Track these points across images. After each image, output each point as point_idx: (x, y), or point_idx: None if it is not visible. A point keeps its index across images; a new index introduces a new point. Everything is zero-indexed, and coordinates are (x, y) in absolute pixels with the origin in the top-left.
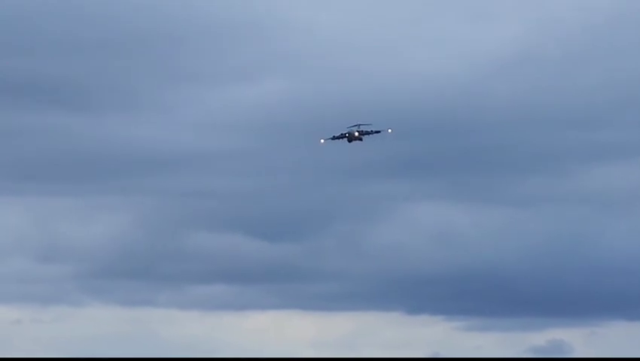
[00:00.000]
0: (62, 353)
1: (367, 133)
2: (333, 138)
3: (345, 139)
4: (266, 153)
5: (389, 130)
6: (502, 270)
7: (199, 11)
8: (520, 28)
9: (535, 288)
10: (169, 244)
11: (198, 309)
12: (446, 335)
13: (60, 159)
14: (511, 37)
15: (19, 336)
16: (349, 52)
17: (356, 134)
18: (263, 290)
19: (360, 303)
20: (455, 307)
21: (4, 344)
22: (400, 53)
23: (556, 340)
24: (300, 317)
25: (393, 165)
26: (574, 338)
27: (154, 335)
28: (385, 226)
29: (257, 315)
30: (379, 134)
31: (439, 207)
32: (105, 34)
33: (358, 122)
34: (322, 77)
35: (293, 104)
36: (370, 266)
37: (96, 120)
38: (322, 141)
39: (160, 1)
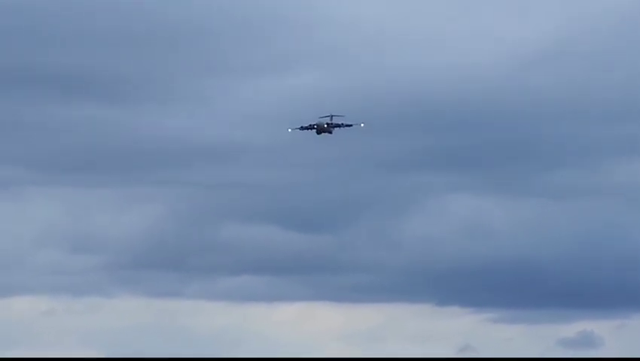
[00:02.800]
0: (93, 343)
1: (338, 126)
2: (301, 128)
3: (314, 130)
4: (298, 144)
5: (361, 124)
6: (532, 262)
7: (234, 3)
8: (555, 22)
9: (565, 280)
10: (200, 235)
11: (227, 300)
12: (475, 327)
13: (94, 150)
14: (545, 31)
15: (50, 327)
16: (384, 44)
17: (325, 125)
18: (292, 281)
19: (390, 295)
20: (485, 299)
21: (36, 334)
22: (434, 45)
23: (586, 332)
24: (328, 309)
25: (425, 157)
26: (604, 330)
27: (183, 327)
28: (417, 218)
29: (286, 306)
30: (350, 127)
31: (470, 199)
32: (140, 27)
33: (331, 113)
34: (357, 69)
35: (327, 96)
36: (400, 258)
37: (130, 112)
38: (289, 130)
39: None
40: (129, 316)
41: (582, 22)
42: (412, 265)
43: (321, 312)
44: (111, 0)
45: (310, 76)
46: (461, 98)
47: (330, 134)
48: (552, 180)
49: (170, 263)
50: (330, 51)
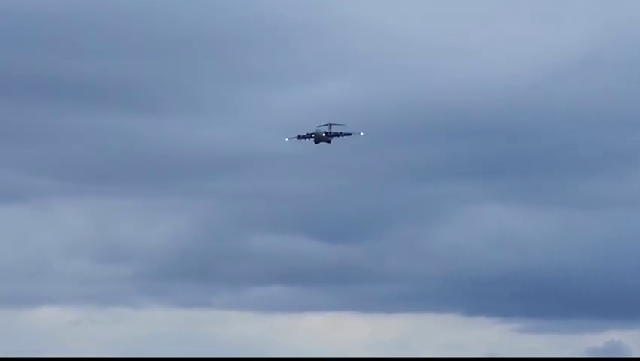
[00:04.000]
0: (119, 353)
1: (337, 135)
2: (299, 137)
3: (312, 139)
4: (327, 154)
5: (361, 133)
6: (560, 272)
7: (263, 12)
8: (584, 30)
9: (593, 290)
10: (228, 245)
11: (255, 310)
12: (502, 337)
13: (122, 160)
14: (574, 39)
15: (77, 336)
16: (414, 53)
17: (323, 134)
18: (320, 291)
19: (417, 304)
20: (512, 309)
21: (62, 344)
22: (465, 53)
23: (614, 342)
24: (356, 319)
25: (453, 166)
26: (632, 339)
27: (211, 336)
28: (445, 228)
29: (314, 316)
30: (349, 136)
31: (498, 208)
32: (169, 36)
33: (329, 122)
34: (386, 78)
35: (356, 106)
36: (428, 268)
37: (158, 122)
38: (287, 139)
39: (225, 3)
40: (157, 326)
41: (611, 31)
42: (440, 275)
43: (348, 322)
44: (138, 9)
45: (336, 85)
46: (490, 107)
47: (328, 144)
48: (580, 189)
49: (198, 273)
50: (356, 60)
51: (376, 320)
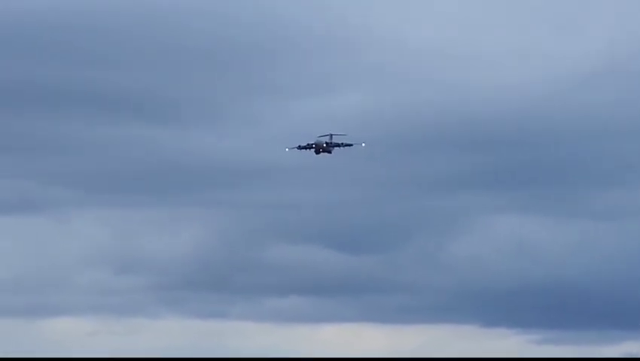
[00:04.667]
0: None
1: (338, 145)
2: (299, 147)
3: (312, 150)
4: (348, 164)
5: (362, 144)
6: (578, 283)
7: (284, 24)
8: (604, 40)
9: (611, 301)
10: (246, 256)
11: (271, 321)
12: (521, 349)
13: (140, 170)
14: (593, 49)
15: (95, 347)
16: (433, 63)
17: (324, 145)
18: (337, 302)
19: (435, 316)
20: (531, 321)
21: (79, 355)
22: (478, 64)
23: (632, 353)
24: (373, 330)
25: (471, 177)
26: None
27: (227, 347)
28: (463, 239)
29: (330, 327)
30: (350, 147)
31: (517, 219)
32: (191, 47)
33: (330, 132)
34: (406, 89)
35: (376, 117)
36: (445, 279)
37: (178, 132)
38: (287, 149)
39: (246, 14)
40: (173, 337)
41: (624, 41)
42: (458, 286)
43: (366, 333)
44: (159, 21)
45: (354, 96)
46: (506, 118)
47: (329, 154)
48: (599, 200)
49: (214, 284)
50: (374, 71)
51: (392, 331)
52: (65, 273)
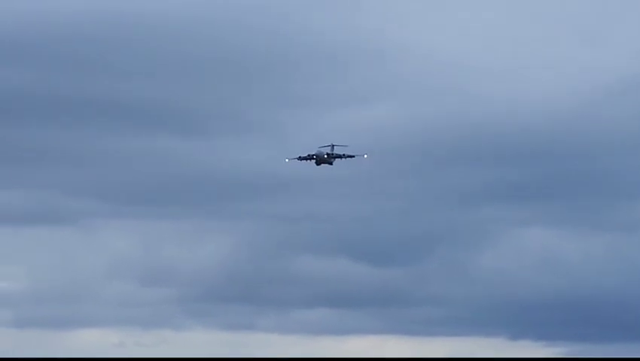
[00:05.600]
0: None
1: (339, 156)
2: (299, 158)
3: (313, 161)
4: (375, 177)
5: (365, 155)
6: (606, 296)
7: (311, 35)
8: (633, 53)
9: (638, 314)
10: (273, 268)
11: (298, 333)
12: None
13: (167, 182)
14: (623, 62)
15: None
16: (461, 76)
17: (325, 156)
18: (364, 315)
19: (462, 328)
20: (557, 333)
21: None
22: (510, 77)
23: None
24: (400, 342)
25: (497, 190)
26: None
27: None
28: (489, 252)
29: (358, 339)
30: (352, 158)
31: (543, 232)
32: (216, 58)
33: (332, 143)
34: (433, 101)
35: (405, 128)
36: (472, 291)
37: (204, 144)
38: (287, 160)
39: (273, 26)
40: (200, 349)
41: None
42: (485, 299)
43: (392, 345)
44: (188, 34)
45: (384, 108)
46: (536, 130)
47: (330, 166)
48: (628, 213)
49: (242, 296)
50: (403, 83)
51: (420, 343)
52: (92, 285)
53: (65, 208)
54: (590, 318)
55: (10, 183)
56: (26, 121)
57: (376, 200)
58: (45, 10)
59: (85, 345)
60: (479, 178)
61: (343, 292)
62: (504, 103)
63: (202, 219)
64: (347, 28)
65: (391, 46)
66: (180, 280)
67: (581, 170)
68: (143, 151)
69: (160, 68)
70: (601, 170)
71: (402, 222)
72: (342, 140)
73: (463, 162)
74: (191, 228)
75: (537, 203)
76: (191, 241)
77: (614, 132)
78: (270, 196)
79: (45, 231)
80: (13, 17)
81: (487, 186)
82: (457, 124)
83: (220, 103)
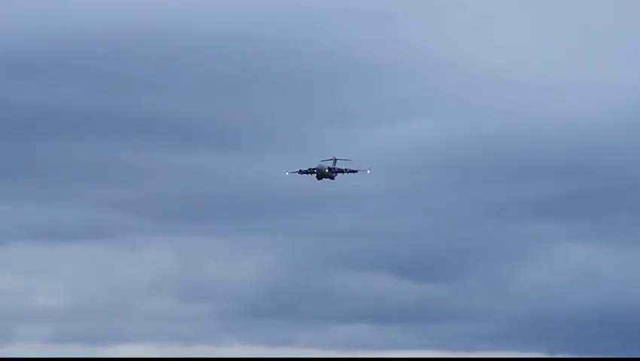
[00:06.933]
0: None
1: (341, 171)
2: (300, 172)
3: (314, 175)
4: (415, 192)
5: (367, 171)
6: None
7: (349, 51)
8: None
9: None
10: (312, 283)
11: (337, 349)
12: None
13: (207, 198)
14: None
15: None
16: (502, 91)
17: (326, 170)
18: (404, 330)
19: (501, 343)
20: (597, 349)
21: None
22: (550, 93)
23: None
24: (439, 357)
25: (539, 205)
26: None
27: None
28: (529, 267)
29: (397, 355)
30: (355, 173)
31: (585, 247)
32: (255, 74)
33: (334, 157)
34: (471, 117)
35: (444, 144)
36: (512, 306)
37: (244, 159)
38: (287, 173)
39: (311, 43)
40: None
41: None
42: (524, 314)
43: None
44: (225, 49)
45: (423, 123)
46: (575, 146)
47: (332, 180)
48: None
49: (281, 311)
50: (443, 99)
51: (458, 358)
52: (133, 300)
53: (106, 224)
54: (630, 334)
55: (51, 200)
56: (67, 138)
57: (414, 216)
58: (84, 27)
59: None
60: (518, 194)
61: (382, 307)
62: (545, 118)
63: (242, 235)
64: (388, 43)
65: (430, 62)
66: (219, 295)
67: (621, 185)
68: (182, 167)
69: (198, 84)
70: None
71: (441, 237)
72: (379, 156)
73: (503, 177)
74: (231, 244)
75: (577, 218)
76: (231, 257)
77: None
78: (309, 212)
79: (86, 247)
80: (52, 36)
81: (527, 201)
82: (500, 139)
83: (258, 119)
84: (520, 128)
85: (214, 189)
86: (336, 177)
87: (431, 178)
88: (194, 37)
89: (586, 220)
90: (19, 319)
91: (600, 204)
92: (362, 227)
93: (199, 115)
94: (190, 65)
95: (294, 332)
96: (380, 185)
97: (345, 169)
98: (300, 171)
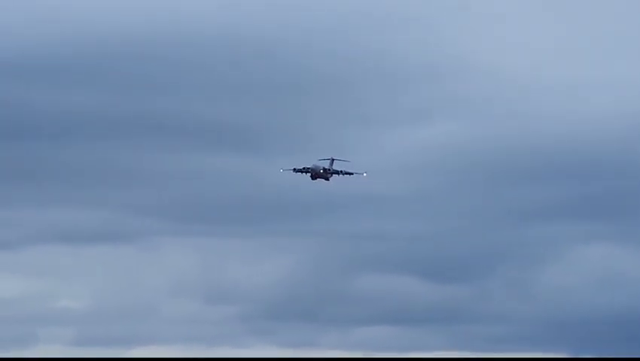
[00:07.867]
0: None
1: (337, 172)
2: (294, 170)
3: (308, 175)
4: (437, 195)
5: (364, 174)
6: None
7: (372, 53)
8: None
9: None
10: (335, 285)
11: (361, 351)
12: None
13: (229, 200)
14: None
15: None
16: (525, 93)
17: (321, 170)
18: (427, 332)
19: (524, 345)
20: (620, 350)
21: None
22: (574, 95)
23: None
24: (462, 359)
25: (562, 207)
26: None
27: None
28: (552, 268)
29: (420, 356)
30: (351, 176)
31: (608, 249)
32: (277, 77)
33: (332, 157)
34: (495, 119)
35: (467, 146)
36: (535, 308)
37: (265, 162)
38: (281, 170)
39: (333, 44)
40: None
41: None
42: (547, 316)
43: None
44: (249, 51)
45: (446, 126)
46: (598, 147)
47: (326, 181)
48: None
49: (305, 314)
50: (466, 101)
51: (481, 358)
52: (155, 302)
53: (128, 227)
54: None
55: (72, 202)
56: (90, 141)
57: (437, 218)
58: (106, 31)
59: None
60: (541, 195)
61: (405, 309)
62: (566, 121)
63: (265, 238)
64: (409, 45)
65: (454, 65)
66: (243, 298)
67: None
68: (206, 170)
69: (220, 88)
70: None
71: (465, 239)
72: (400, 158)
73: (526, 179)
74: (254, 246)
75: (600, 220)
76: (254, 259)
77: None
78: (332, 214)
79: (108, 249)
80: (74, 39)
81: (550, 203)
82: (519, 142)
83: (281, 122)
84: (543, 131)
85: (237, 191)
86: (330, 179)
87: (454, 180)
88: (217, 43)
89: (609, 222)
90: (42, 321)
91: (623, 205)
92: (385, 229)
93: (222, 118)
94: (213, 70)
95: (317, 333)
96: (404, 187)
97: (341, 171)
98: (295, 169)
